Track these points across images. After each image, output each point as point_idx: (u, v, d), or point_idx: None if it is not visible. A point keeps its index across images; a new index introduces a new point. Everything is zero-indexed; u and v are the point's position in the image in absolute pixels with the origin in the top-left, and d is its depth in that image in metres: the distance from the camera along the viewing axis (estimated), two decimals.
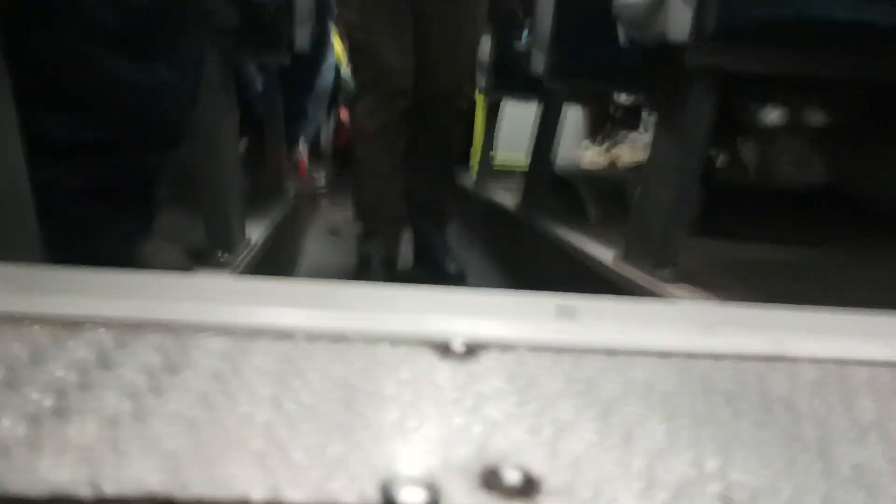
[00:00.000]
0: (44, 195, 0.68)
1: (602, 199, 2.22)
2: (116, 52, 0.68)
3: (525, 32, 2.25)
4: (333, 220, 3.11)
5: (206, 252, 1.18)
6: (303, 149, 2.49)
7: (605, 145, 3.05)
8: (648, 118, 2.82)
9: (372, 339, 0.35)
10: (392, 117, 1.90)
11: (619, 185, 2.36)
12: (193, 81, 0.80)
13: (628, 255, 1.40)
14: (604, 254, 1.50)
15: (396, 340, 0.35)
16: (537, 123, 2.26)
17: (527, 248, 2.07)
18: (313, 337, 0.35)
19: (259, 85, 2.23)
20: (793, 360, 0.36)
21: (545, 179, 2.25)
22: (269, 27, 1.61)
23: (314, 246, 2.64)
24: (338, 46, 3.24)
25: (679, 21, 1.17)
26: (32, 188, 0.66)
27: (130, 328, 0.35)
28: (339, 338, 0.35)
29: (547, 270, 1.91)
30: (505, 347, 0.35)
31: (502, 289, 0.43)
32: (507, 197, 2.38)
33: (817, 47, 1.21)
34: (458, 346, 0.35)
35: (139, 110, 0.72)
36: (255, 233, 1.47)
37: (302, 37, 1.76)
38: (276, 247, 1.79)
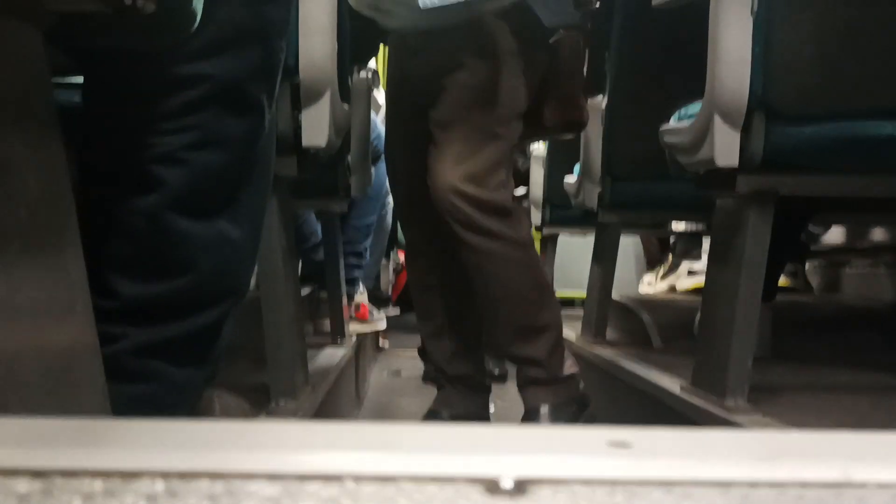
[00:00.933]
0: (109, 350, 0.70)
1: (664, 325, 2.19)
2: (180, 209, 0.72)
3: (576, 167, 2.29)
4: (396, 361, 3.14)
5: (268, 400, 1.19)
6: (363, 292, 2.54)
7: (662, 271, 3.04)
8: (707, 246, 2.82)
9: (419, 480, 0.35)
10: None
11: (680, 310, 2.33)
12: (255, 234, 0.83)
13: (696, 384, 1.36)
14: (670, 383, 1.47)
15: (444, 479, 0.35)
16: (594, 255, 2.27)
17: (590, 381, 2.03)
18: (361, 479, 0.35)
19: (317, 231, 2.31)
20: (861, 485, 0.34)
21: (604, 308, 2.23)
22: (326, 175, 1.68)
23: (377, 387, 2.64)
24: None
25: (727, 147, 1.19)
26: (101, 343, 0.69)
27: (183, 477, 0.35)
28: (386, 479, 0.35)
29: (613, 401, 1.86)
30: (556, 483, 0.34)
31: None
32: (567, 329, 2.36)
33: (870, 167, 1.20)
34: (507, 483, 0.35)
35: (202, 266, 0.75)
36: (318, 378, 1.49)
37: (359, 183, 1.83)
38: (339, 391, 1.79)
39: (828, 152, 1.17)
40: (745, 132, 1.17)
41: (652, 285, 3.06)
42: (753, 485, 0.34)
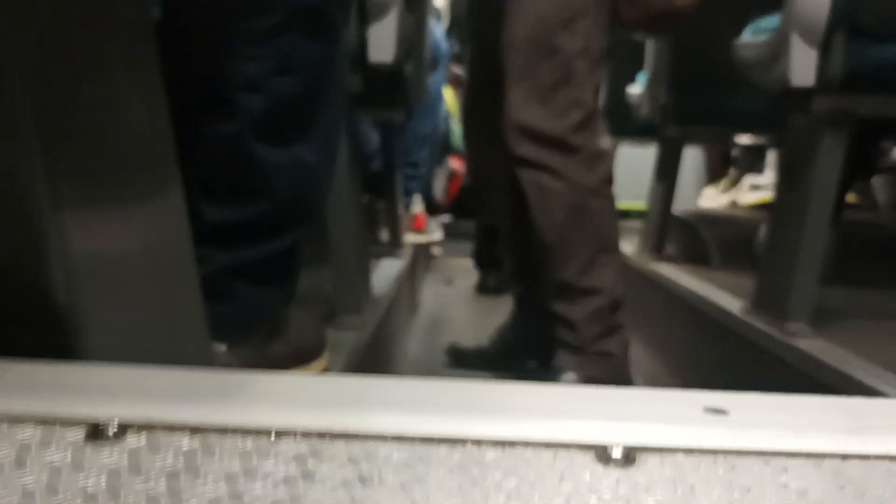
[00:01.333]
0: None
1: (725, 242, 2.16)
2: (259, 136, 0.73)
3: (640, 76, 2.23)
4: (448, 270, 3.17)
5: (333, 313, 1.22)
6: (418, 202, 2.55)
7: (725, 185, 2.97)
8: (771, 160, 2.74)
9: (536, 445, 0.37)
10: None
11: (742, 227, 2.29)
12: (331, 157, 0.84)
13: (757, 307, 1.35)
14: (731, 304, 1.46)
15: (559, 446, 0.37)
16: (655, 167, 2.23)
17: (648, 298, 2.03)
18: (482, 443, 0.37)
19: (373, 141, 2.31)
20: None
21: (664, 224, 2.21)
22: (384, 86, 1.66)
23: (431, 297, 2.68)
24: (448, 96, 3.31)
25: (804, 65, 1.14)
26: None
27: (322, 438, 0.38)
28: (505, 444, 0.37)
29: (673, 322, 1.87)
30: (661, 452, 0.36)
31: (649, 387, 0.43)
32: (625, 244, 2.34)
33: None
34: (617, 452, 0.37)
35: (281, 191, 0.76)
36: (378, 291, 1.52)
37: (416, 93, 1.81)
38: (398, 304, 1.83)
39: None
40: (825, 50, 1.12)
41: (713, 199, 3.00)
42: (845, 457, 0.35)
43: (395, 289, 1.64)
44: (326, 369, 0.93)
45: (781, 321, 1.23)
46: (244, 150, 0.72)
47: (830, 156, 1.19)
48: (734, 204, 2.86)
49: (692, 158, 3.15)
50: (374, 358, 1.37)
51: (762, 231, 1.93)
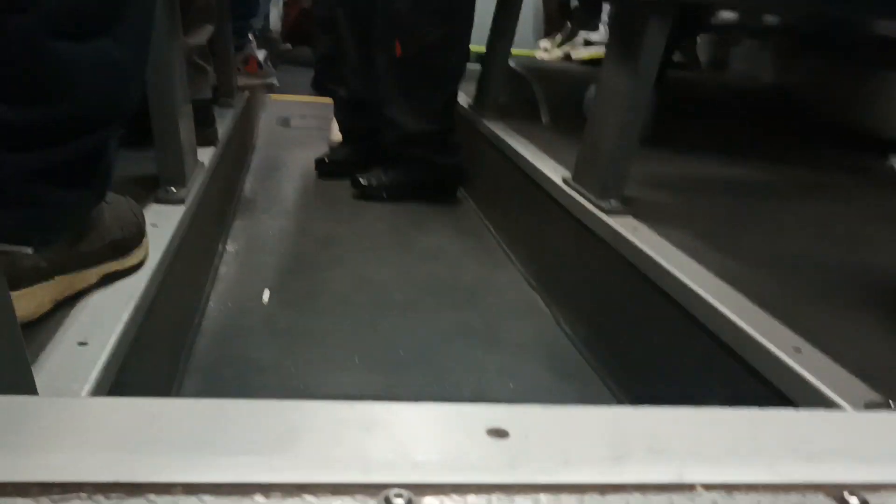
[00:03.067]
0: None
1: (556, 96, 2.22)
2: (56, 31, 0.66)
3: None
4: (285, 107, 3.07)
5: (156, 185, 1.18)
6: (253, 43, 2.41)
7: (560, 38, 3.00)
8: (605, 17, 2.78)
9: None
10: None
11: (574, 83, 2.36)
12: (142, 51, 0.78)
13: (577, 178, 1.43)
14: (553, 173, 1.53)
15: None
16: (494, 20, 2.21)
17: (478, 151, 2.08)
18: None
19: None
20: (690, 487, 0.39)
21: (499, 78, 2.22)
22: None
23: (267, 138, 2.62)
24: None
25: None
26: None
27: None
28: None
29: (498, 181, 1.93)
30: (442, 492, 0.37)
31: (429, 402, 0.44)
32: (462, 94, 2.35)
33: None
34: (397, 500, 0.37)
35: (83, 90, 0.70)
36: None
37: None
38: (227, 159, 1.77)
39: None
40: None
41: (548, 51, 3.04)
42: (603, 490, 0.38)
43: (221, 147, 1.59)
44: (144, 260, 0.92)
45: (597, 198, 1.31)
46: (38, 46, 0.65)
47: (653, 42, 1.24)
48: (568, 57, 2.92)
49: (529, 8, 3.15)
50: (201, 234, 1.35)
51: (590, 91, 2.00)
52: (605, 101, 1.34)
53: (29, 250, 0.74)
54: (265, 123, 2.80)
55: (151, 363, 0.94)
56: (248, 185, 2.07)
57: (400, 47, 1.90)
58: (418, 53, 1.90)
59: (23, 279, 0.73)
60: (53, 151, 0.71)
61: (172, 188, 1.18)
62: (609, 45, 1.36)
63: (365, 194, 1.98)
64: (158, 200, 1.16)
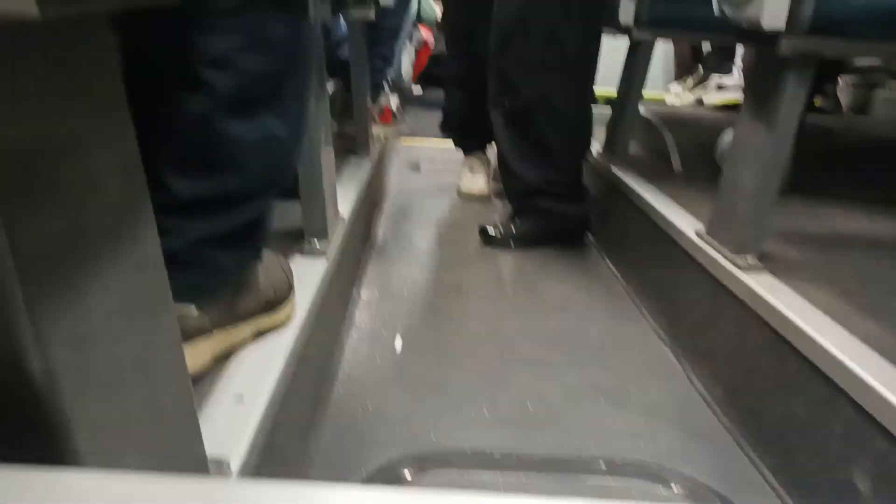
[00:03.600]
0: (164, 243, 0.74)
1: (688, 144, 2.19)
2: (228, 111, 0.73)
3: None
4: (415, 151, 3.17)
5: (302, 238, 1.25)
6: (388, 92, 2.51)
7: (692, 83, 2.96)
8: (739, 60, 2.72)
9: None
10: None
11: (707, 130, 2.31)
12: (300, 124, 0.84)
13: (711, 232, 1.40)
14: (686, 225, 1.51)
15: None
16: (624, 70, 2.22)
17: (607, 199, 2.07)
18: None
19: (342, 26, 2.24)
20: None
21: (630, 125, 2.22)
22: None
23: (398, 184, 2.69)
24: None
25: (775, 9, 1.14)
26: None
27: None
28: None
29: (628, 231, 1.92)
30: None
31: None
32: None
33: None
34: None
35: (251, 163, 0.77)
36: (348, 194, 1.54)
37: None
38: (364, 211, 1.84)
39: (886, 21, 1.11)
40: None
41: (679, 96, 3.00)
42: None
43: (360, 196, 1.66)
44: (291, 314, 0.97)
45: (732, 253, 1.29)
46: (214, 126, 0.73)
47: (794, 96, 1.21)
48: (700, 102, 2.87)
49: (660, 51, 3.12)
50: (340, 285, 1.41)
51: (723, 138, 1.96)
52: (742, 157, 1.32)
53: (194, 309, 0.80)
54: (396, 167, 2.89)
55: (298, 414, 0.99)
56: (381, 231, 2.14)
57: (508, 102, 1.95)
58: (526, 107, 1.94)
59: (186, 336, 0.79)
60: (221, 218, 0.78)
61: (316, 241, 1.24)
62: (745, 98, 1.34)
63: (493, 243, 2.01)
64: (303, 252, 1.23)
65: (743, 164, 1.31)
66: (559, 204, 2.02)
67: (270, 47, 0.74)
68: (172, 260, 0.77)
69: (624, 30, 2.05)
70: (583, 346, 1.47)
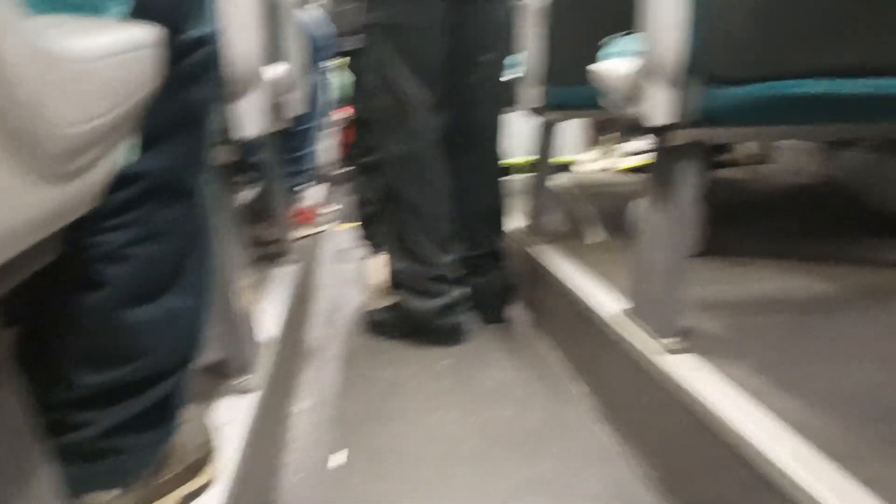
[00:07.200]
0: (78, 438, 0.73)
1: (601, 212, 2.26)
2: (128, 301, 0.72)
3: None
4: (340, 236, 3.15)
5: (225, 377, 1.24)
6: (307, 194, 2.51)
7: (604, 148, 3.06)
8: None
9: None
10: None
11: (618, 197, 2.39)
12: (205, 295, 0.84)
13: (636, 311, 1.43)
14: (607, 301, 1.54)
15: None
16: (536, 144, 2.27)
17: (531, 276, 2.11)
18: None
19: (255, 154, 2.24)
20: None
21: (541, 201, 2.28)
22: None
23: (328, 277, 2.68)
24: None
25: (663, 107, 1.19)
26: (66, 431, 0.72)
27: None
28: None
29: (555, 309, 1.95)
30: None
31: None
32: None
33: (803, 121, 1.22)
34: None
35: (157, 346, 0.76)
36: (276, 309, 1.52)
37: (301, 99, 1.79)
38: (295, 314, 1.83)
39: (763, 111, 1.17)
40: (681, 92, 1.18)
41: (591, 163, 3.09)
42: None
43: (285, 315, 1.65)
44: (214, 476, 0.95)
45: (655, 331, 1.32)
46: (116, 318, 0.72)
47: (688, 180, 1.26)
48: (611, 166, 2.96)
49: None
50: (276, 407, 1.39)
51: (631, 208, 2.02)
52: (651, 241, 1.36)
53: (117, 493, 0.78)
54: (325, 257, 2.88)
55: None
56: (314, 332, 2.13)
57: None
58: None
59: None
60: (133, 403, 0.76)
61: (241, 378, 1.22)
62: (650, 183, 1.38)
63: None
64: (229, 391, 1.21)
65: (652, 248, 1.35)
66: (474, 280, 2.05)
67: (165, 233, 0.74)
68: (90, 451, 0.76)
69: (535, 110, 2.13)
70: (524, 437, 1.48)
